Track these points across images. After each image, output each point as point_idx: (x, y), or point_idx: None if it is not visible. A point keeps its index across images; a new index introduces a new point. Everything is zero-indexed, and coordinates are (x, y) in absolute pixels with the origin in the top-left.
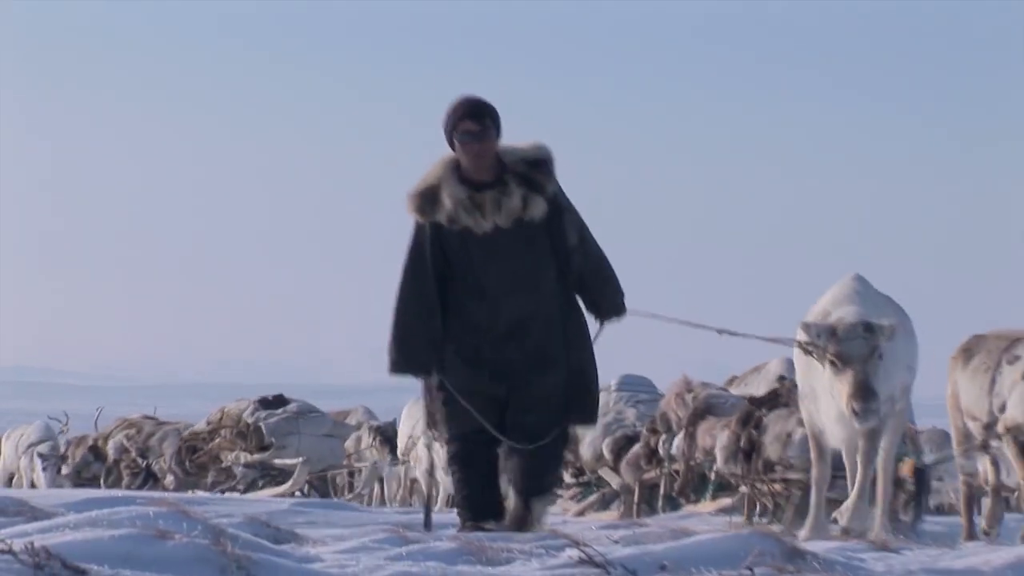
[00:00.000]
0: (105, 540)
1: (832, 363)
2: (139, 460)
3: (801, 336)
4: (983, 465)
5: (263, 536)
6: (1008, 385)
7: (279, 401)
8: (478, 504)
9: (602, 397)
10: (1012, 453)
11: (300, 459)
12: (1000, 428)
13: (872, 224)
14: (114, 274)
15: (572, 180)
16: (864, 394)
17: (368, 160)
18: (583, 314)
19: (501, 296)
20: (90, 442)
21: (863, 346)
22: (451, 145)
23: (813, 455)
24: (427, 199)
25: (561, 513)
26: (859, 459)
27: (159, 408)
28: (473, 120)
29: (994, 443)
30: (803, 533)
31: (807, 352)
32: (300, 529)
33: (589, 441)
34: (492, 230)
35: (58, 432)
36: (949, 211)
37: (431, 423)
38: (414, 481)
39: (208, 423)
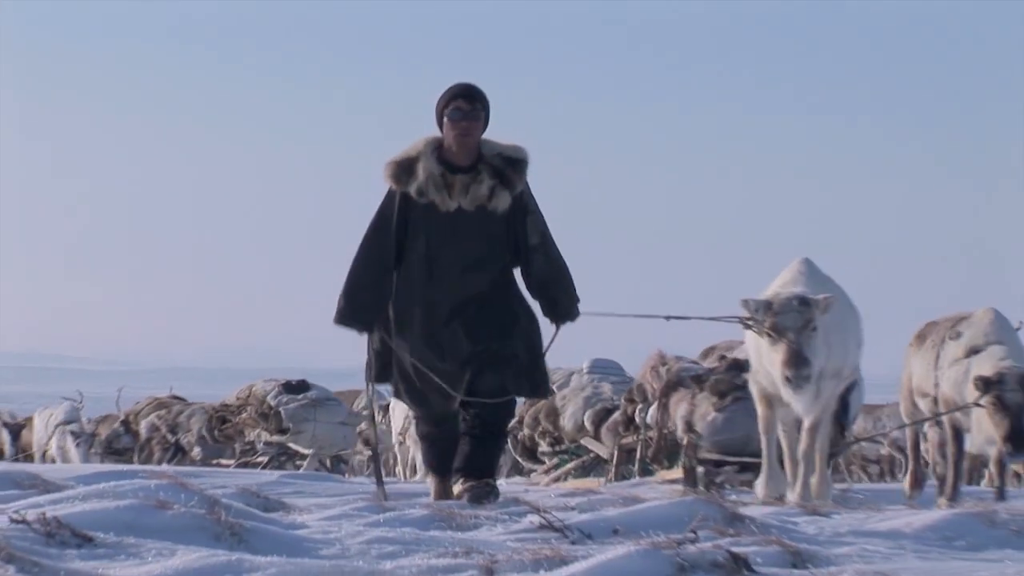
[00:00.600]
0: (110, 510)
1: (769, 335)
2: (169, 436)
3: (742, 312)
4: (940, 437)
5: (254, 505)
6: (949, 360)
7: (302, 386)
8: (447, 481)
9: (574, 379)
10: (948, 428)
11: (311, 451)
12: (940, 402)
13: (834, 216)
14: (118, 268)
15: (542, 174)
16: (796, 362)
17: (355, 146)
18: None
19: (453, 274)
20: (121, 417)
21: (797, 318)
22: (440, 125)
23: (761, 427)
24: (403, 169)
25: (530, 484)
26: (804, 434)
27: (161, 389)
28: (466, 100)
29: (944, 418)
30: (760, 488)
31: (747, 327)
32: (288, 499)
33: (570, 413)
34: (455, 210)
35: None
36: (902, 203)
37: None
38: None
39: (237, 398)
